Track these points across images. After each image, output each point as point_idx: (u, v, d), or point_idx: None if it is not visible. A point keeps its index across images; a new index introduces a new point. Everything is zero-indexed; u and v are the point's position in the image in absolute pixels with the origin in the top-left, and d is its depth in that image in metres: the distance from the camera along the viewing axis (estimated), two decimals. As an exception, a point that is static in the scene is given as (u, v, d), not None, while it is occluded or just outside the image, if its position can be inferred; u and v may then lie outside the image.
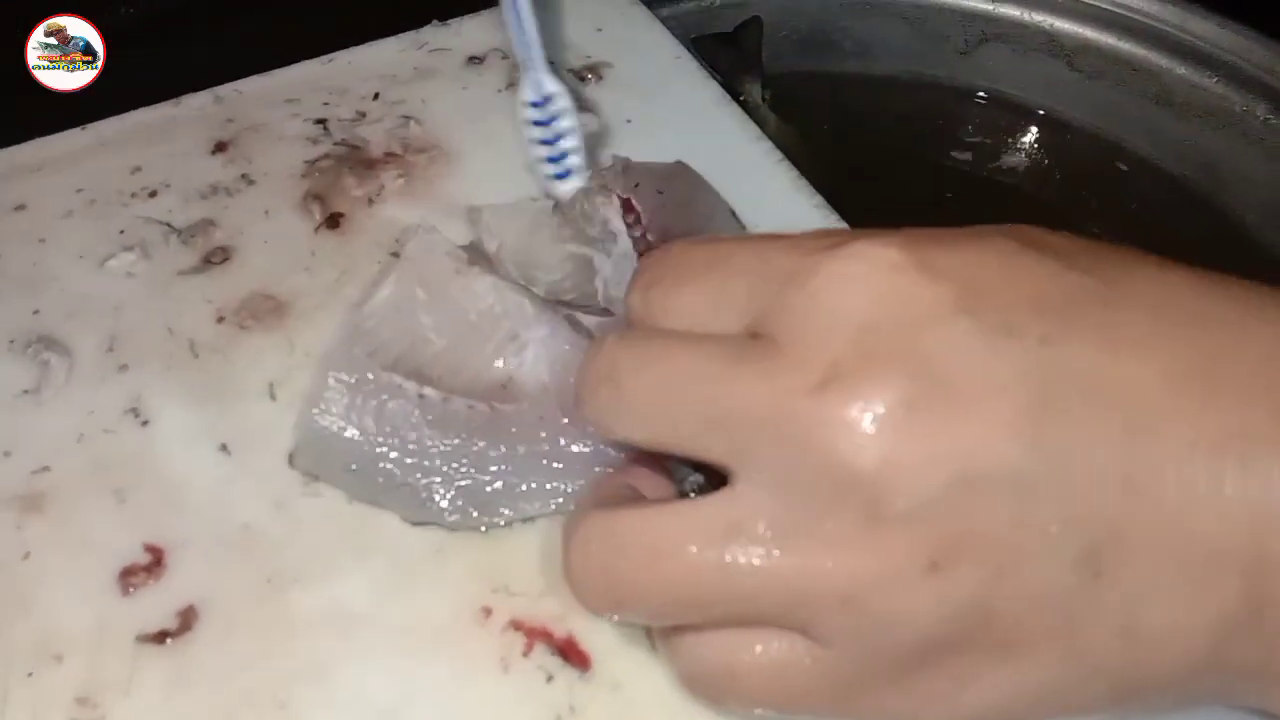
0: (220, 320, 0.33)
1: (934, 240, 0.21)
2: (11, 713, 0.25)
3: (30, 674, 0.25)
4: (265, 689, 0.25)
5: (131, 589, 0.27)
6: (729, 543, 0.20)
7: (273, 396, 0.31)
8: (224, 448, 0.30)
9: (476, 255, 0.33)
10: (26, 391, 0.31)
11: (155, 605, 0.27)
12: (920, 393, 0.19)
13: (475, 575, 0.27)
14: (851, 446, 0.19)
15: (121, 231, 0.35)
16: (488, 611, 0.27)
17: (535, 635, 0.26)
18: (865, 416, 0.19)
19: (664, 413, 0.22)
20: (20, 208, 0.36)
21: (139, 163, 0.38)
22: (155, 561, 0.27)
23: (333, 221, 0.36)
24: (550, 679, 0.25)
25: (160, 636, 0.26)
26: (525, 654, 0.26)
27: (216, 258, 0.35)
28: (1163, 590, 0.19)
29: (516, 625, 0.26)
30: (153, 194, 0.37)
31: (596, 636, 0.26)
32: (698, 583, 0.21)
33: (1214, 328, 0.20)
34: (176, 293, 0.34)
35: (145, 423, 0.30)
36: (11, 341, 0.32)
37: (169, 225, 0.36)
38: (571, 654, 0.26)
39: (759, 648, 0.21)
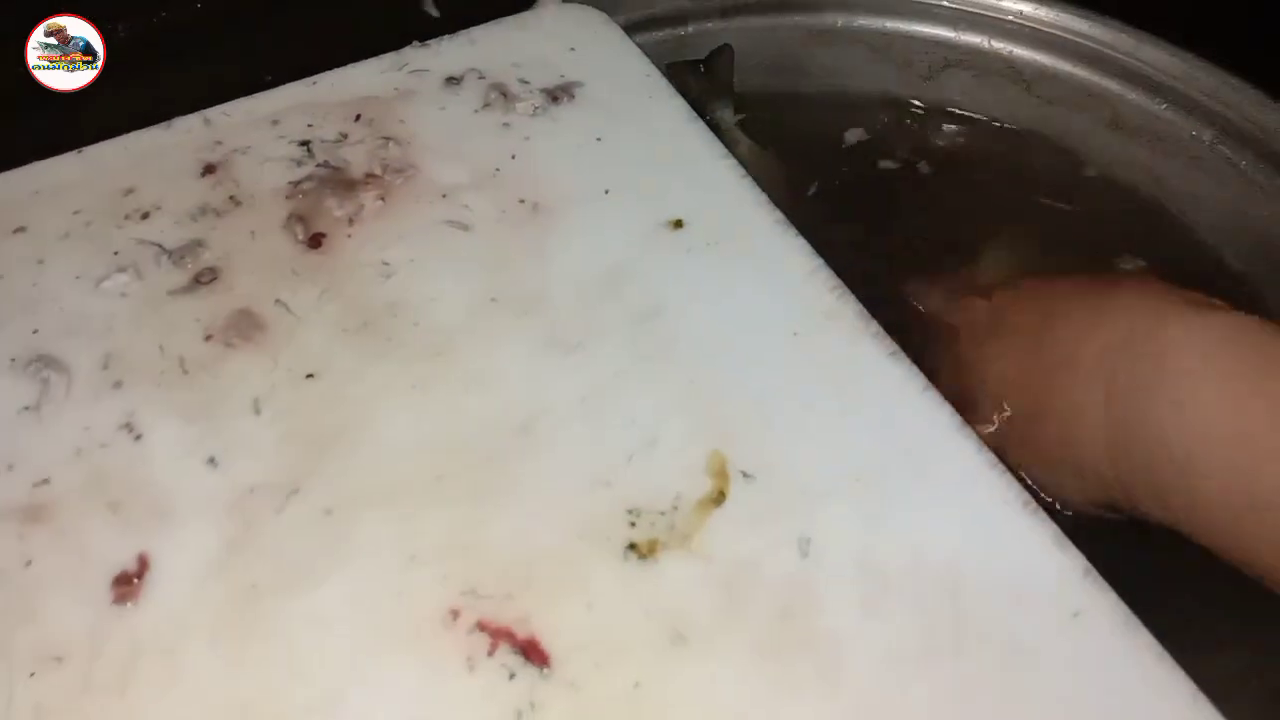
0: (208, 338, 0.35)
1: None
2: (16, 712, 0.27)
3: (32, 674, 0.28)
4: (247, 691, 0.27)
5: (124, 595, 0.29)
6: None
7: (257, 411, 0.33)
8: (212, 460, 0.32)
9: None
10: (28, 408, 0.33)
11: (147, 611, 0.29)
12: None
13: (445, 580, 0.29)
14: None
15: (116, 253, 0.37)
16: (455, 614, 0.29)
17: (500, 636, 0.28)
18: None
19: None
20: (20, 230, 0.38)
21: (132, 185, 0.40)
22: (146, 569, 0.29)
23: (314, 241, 0.37)
24: (513, 676, 0.27)
25: (152, 641, 0.28)
26: (490, 653, 0.28)
27: (205, 278, 0.36)
28: None
29: (482, 626, 0.28)
30: (145, 216, 0.39)
31: (557, 637, 0.28)
32: None
33: None
34: (167, 312, 0.36)
35: (138, 437, 0.32)
36: (13, 360, 0.34)
37: (160, 246, 0.37)
38: (533, 653, 0.28)
39: None
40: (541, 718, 0.27)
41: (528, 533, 0.30)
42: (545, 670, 0.27)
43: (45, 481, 0.31)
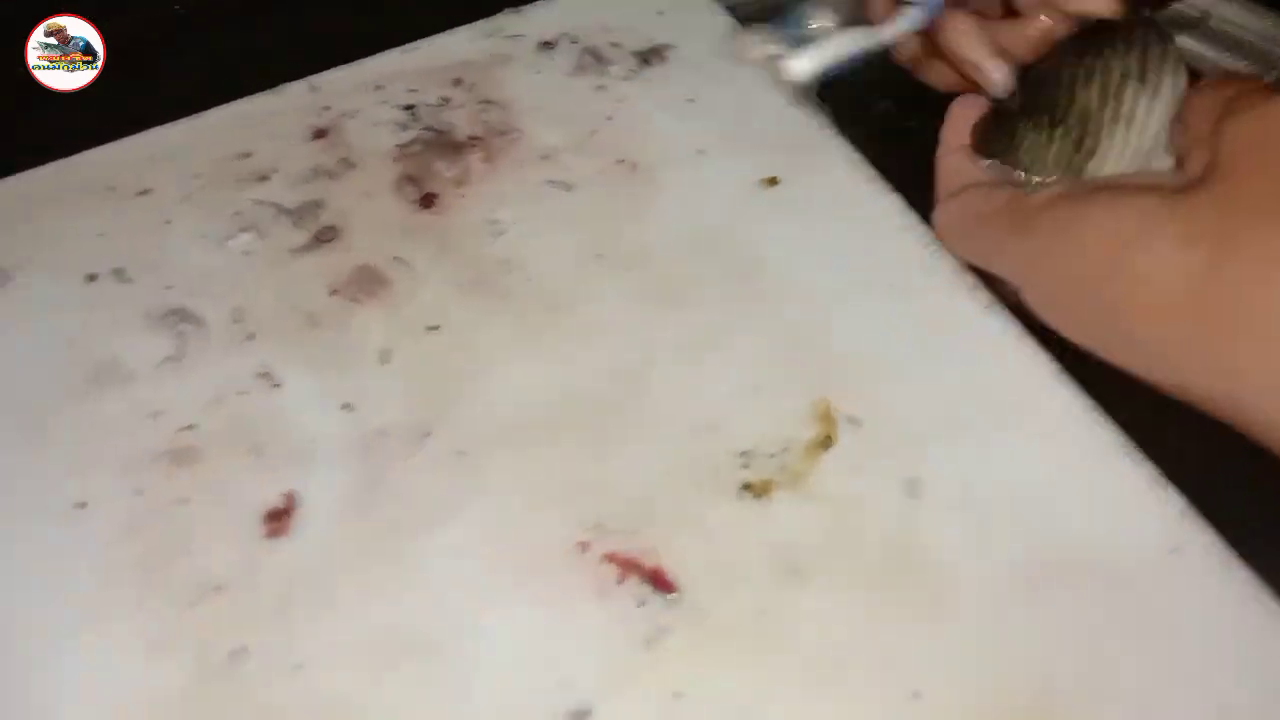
0: (333, 293, 0.37)
1: None
2: (183, 638, 0.29)
3: (193, 604, 0.30)
4: (390, 621, 0.29)
5: (276, 530, 0.31)
6: None
7: (385, 361, 0.35)
8: (347, 406, 0.34)
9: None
10: (168, 359, 0.35)
11: (298, 545, 0.31)
12: None
13: (572, 515, 0.31)
14: None
15: (237, 213, 0.39)
16: (584, 546, 0.30)
17: (628, 566, 0.30)
18: None
19: None
20: (144, 193, 0.40)
21: (247, 149, 0.41)
22: (292, 506, 0.32)
23: (427, 201, 0.39)
24: (642, 604, 0.29)
25: (304, 572, 0.30)
26: (619, 583, 0.30)
27: (325, 236, 0.38)
28: None
29: (610, 558, 0.30)
30: (262, 178, 0.40)
31: (681, 568, 0.30)
32: None
33: None
34: (291, 269, 0.37)
35: (276, 385, 0.34)
36: (149, 314, 0.36)
37: (279, 207, 0.39)
38: (660, 583, 0.29)
39: None
40: (671, 642, 0.28)
41: (646, 473, 0.32)
42: (672, 598, 0.29)
43: (191, 427, 0.33)
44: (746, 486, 0.31)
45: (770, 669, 0.28)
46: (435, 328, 0.36)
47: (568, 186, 0.39)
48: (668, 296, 0.36)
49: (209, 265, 0.38)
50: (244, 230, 0.39)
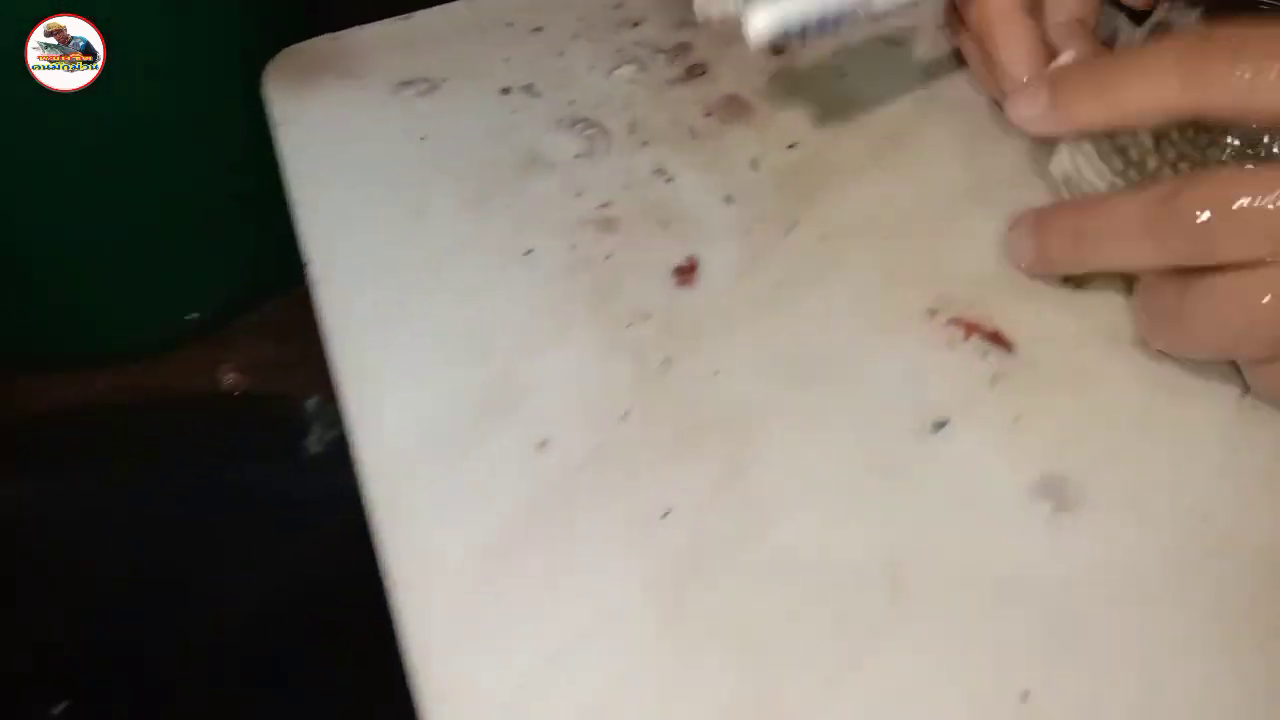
0: (708, 115, 0.45)
1: None
2: (624, 348, 0.38)
3: (629, 325, 0.38)
4: (782, 348, 0.37)
5: (684, 281, 0.40)
6: None
7: (755, 168, 0.43)
8: (728, 199, 0.42)
9: None
10: (580, 155, 0.44)
11: (702, 293, 0.39)
12: None
13: (921, 288, 0.39)
14: None
15: (619, 50, 0.48)
16: (932, 313, 0.38)
17: (971, 329, 0.37)
18: None
19: None
20: (538, 29, 0.49)
21: (619, 1, 0.50)
22: (695, 265, 0.40)
23: (775, 50, 0.47)
24: (985, 355, 0.37)
25: (709, 311, 0.39)
26: (965, 339, 0.37)
27: (695, 72, 0.46)
28: None
29: (955, 321, 0.38)
30: (635, 24, 0.49)
31: (1018, 330, 0.37)
32: None
33: None
34: (670, 95, 0.46)
35: (669, 180, 0.43)
36: (559, 120, 0.45)
37: (655, 46, 0.48)
38: (999, 341, 0.37)
39: None
40: (1010, 383, 0.36)
41: (979, 266, 0.39)
42: (1009, 354, 0.37)
43: (608, 204, 0.42)
44: (1067, 279, 0.39)
45: (1091, 408, 0.35)
46: (794, 145, 0.43)
47: (897, 43, 0.47)
48: (990, 145, 0.43)
49: (602, 87, 0.46)
50: (627, 63, 0.47)
